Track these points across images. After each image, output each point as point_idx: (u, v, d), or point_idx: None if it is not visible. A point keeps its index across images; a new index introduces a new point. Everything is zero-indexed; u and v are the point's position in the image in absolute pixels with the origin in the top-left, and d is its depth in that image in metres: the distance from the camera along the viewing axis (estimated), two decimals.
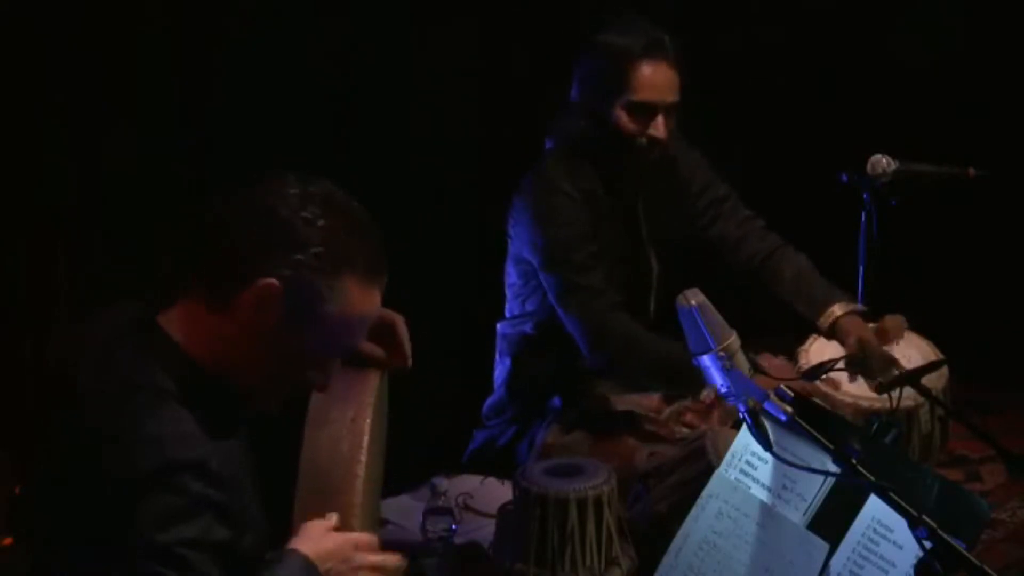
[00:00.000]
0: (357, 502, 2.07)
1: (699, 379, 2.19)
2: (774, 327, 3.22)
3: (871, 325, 3.12)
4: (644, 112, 3.07)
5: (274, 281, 1.86)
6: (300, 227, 1.87)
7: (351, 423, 2.11)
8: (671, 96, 3.08)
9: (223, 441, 1.91)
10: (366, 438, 2.10)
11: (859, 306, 3.21)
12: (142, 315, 1.94)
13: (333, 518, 2.03)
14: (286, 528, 2.02)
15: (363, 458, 2.08)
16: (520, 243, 3.21)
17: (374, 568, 2.02)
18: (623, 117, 3.08)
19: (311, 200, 1.89)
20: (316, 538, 1.99)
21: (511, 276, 3.31)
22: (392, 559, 2.06)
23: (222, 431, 1.92)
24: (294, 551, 1.96)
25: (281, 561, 1.94)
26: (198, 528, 1.80)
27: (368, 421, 2.12)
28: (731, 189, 3.36)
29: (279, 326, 1.89)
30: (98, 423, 1.83)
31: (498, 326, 3.38)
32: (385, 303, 2.07)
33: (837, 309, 3.16)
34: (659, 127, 3.07)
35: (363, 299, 1.93)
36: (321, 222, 1.88)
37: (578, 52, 3.15)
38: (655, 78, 3.05)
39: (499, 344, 3.38)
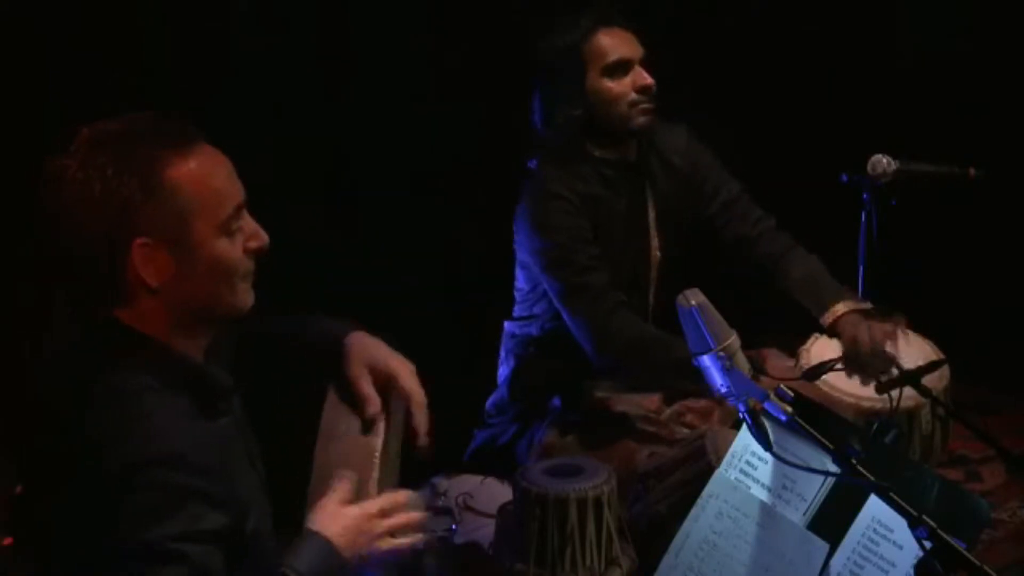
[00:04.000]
0: (373, 491, 2.07)
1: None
2: (774, 327, 3.22)
3: (878, 324, 3.10)
4: (622, 70, 3.11)
5: (138, 240, 1.85)
6: (111, 184, 1.84)
7: (363, 438, 2.12)
8: (640, 51, 3.13)
9: (208, 423, 1.91)
10: (379, 447, 2.11)
11: (866, 304, 3.19)
12: (98, 315, 1.91)
13: (347, 479, 2.04)
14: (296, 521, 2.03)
15: (376, 461, 2.10)
16: (522, 249, 3.22)
17: (392, 530, 2.04)
18: (605, 84, 3.10)
19: (93, 154, 1.86)
20: (332, 515, 2.00)
21: (519, 281, 3.31)
22: (412, 517, 2.07)
23: (206, 413, 1.91)
24: (312, 533, 1.96)
25: (301, 545, 1.94)
26: (184, 520, 1.79)
27: (381, 439, 2.13)
28: (743, 187, 3.35)
29: (176, 261, 1.87)
30: (75, 433, 1.83)
31: (505, 324, 3.38)
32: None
33: (840, 307, 3.15)
34: (643, 75, 3.10)
35: (199, 166, 1.90)
36: (120, 164, 1.84)
37: (531, 75, 3.18)
38: (618, 37, 3.11)
39: (505, 343, 3.38)
